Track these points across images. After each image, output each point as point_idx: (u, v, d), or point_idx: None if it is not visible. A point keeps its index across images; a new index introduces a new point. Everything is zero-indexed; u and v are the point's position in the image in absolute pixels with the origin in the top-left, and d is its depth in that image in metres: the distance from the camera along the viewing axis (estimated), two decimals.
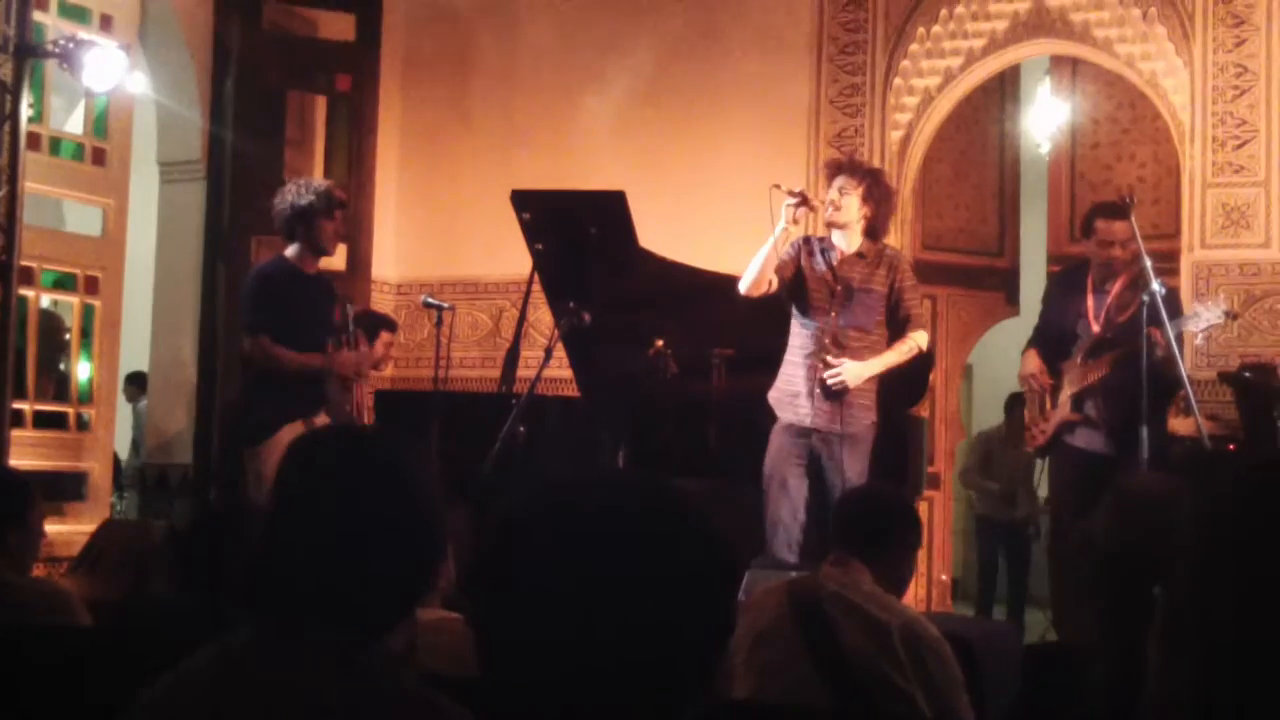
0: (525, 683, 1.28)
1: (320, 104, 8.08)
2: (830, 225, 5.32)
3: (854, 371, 5.21)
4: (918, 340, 5.36)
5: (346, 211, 5.82)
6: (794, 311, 5.34)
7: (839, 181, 5.31)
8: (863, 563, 3.14)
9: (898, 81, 7.43)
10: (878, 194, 5.34)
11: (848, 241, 5.33)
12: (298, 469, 1.77)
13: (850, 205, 5.28)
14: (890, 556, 3.22)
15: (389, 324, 6.85)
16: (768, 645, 3.03)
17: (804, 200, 5.22)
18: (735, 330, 5.67)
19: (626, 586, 1.28)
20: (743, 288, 5.27)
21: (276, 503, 1.77)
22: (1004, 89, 8.08)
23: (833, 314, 5.26)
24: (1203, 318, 5.48)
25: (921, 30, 7.37)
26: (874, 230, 5.34)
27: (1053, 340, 5.93)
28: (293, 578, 1.67)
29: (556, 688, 1.27)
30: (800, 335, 5.32)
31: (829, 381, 5.16)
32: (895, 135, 7.45)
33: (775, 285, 5.25)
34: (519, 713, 1.29)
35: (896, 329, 5.34)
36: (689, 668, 1.31)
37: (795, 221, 5.24)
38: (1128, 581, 2.22)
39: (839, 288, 5.27)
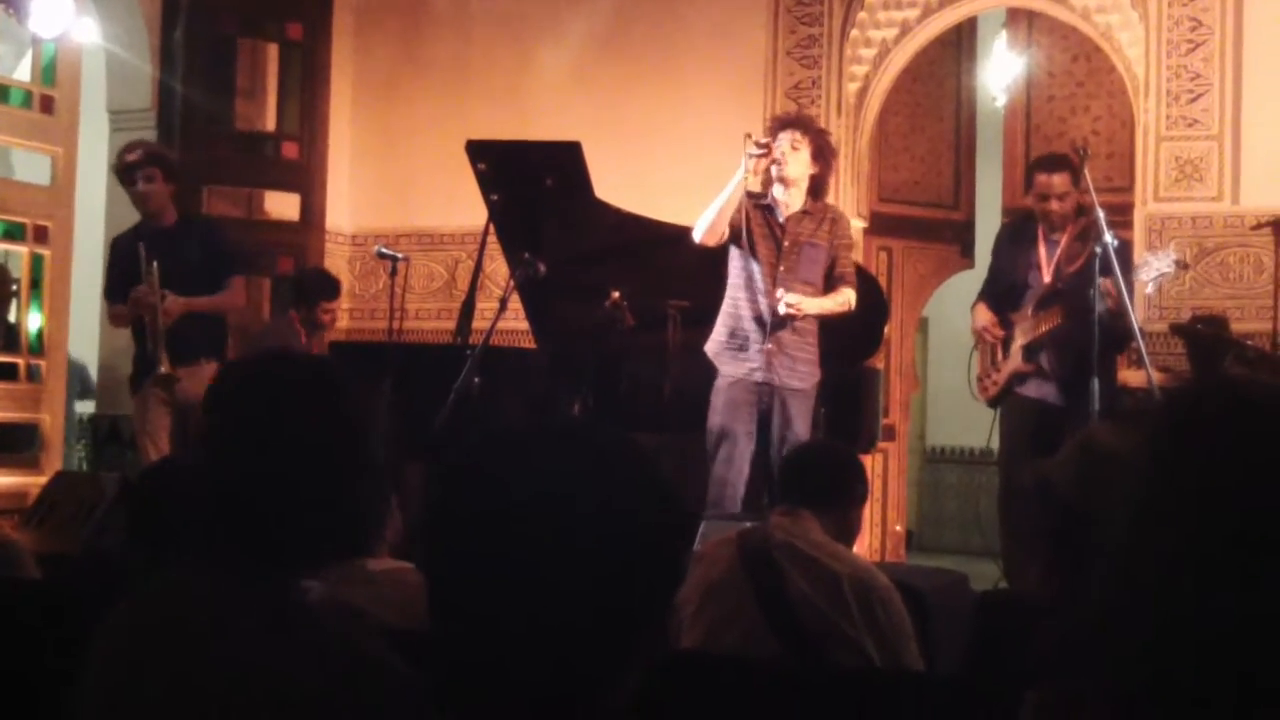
0: (475, 633, 1.28)
1: (272, 52, 7.99)
2: (779, 180, 5.30)
3: (808, 303, 5.23)
4: (848, 296, 5.37)
5: (146, 172, 6.01)
6: (736, 265, 5.33)
7: (789, 136, 5.30)
8: (811, 513, 3.16)
9: (854, 33, 7.41)
10: (826, 153, 5.38)
11: (790, 198, 5.34)
12: (217, 399, 1.72)
13: (800, 160, 5.29)
14: (839, 509, 3.25)
15: (327, 290, 6.79)
16: (718, 596, 3.05)
17: (768, 151, 5.23)
18: (691, 282, 5.66)
19: (577, 536, 1.27)
20: (697, 235, 5.27)
21: (200, 437, 1.72)
22: (960, 42, 8.08)
23: (781, 268, 5.28)
24: (1153, 266, 5.52)
25: None
26: (818, 188, 5.36)
27: (1003, 292, 5.96)
28: (215, 513, 1.64)
29: (506, 637, 1.27)
30: (744, 289, 5.31)
31: (784, 309, 5.17)
32: (852, 87, 7.44)
33: (725, 235, 5.26)
34: (469, 663, 1.28)
35: (829, 287, 5.36)
36: (638, 617, 1.31)
37: (754, 172, 5.24)
38: (1084, 533, 2.24)
39: (787, 242, 5.28)
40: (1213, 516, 1.30)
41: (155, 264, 5.76)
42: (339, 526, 1.68)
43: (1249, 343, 5.83)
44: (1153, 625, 1.29)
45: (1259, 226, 6.11)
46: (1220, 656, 1.25)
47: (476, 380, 5.13)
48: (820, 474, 3.29)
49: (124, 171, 5.99)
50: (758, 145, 5.20)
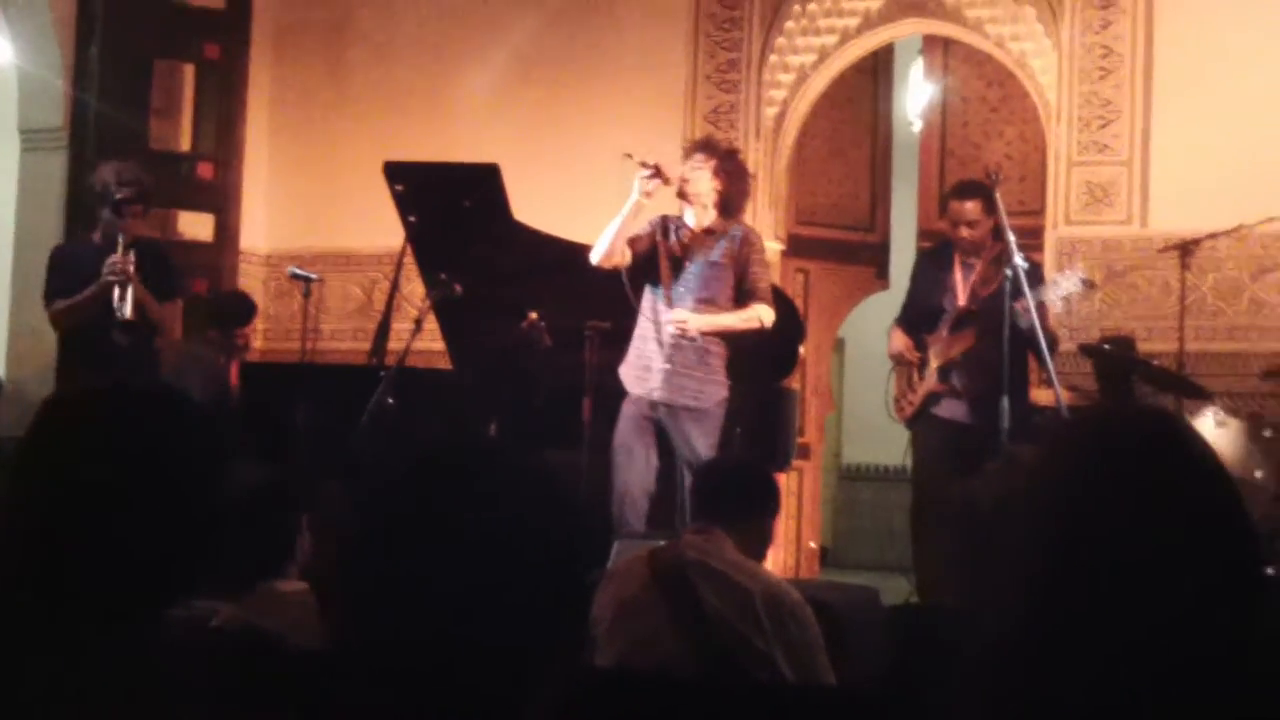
0: (386, 650, 1.28)
1: (188, 72, 7.91)
2: (680, 199, 5.37)
3: (695, 319, 5.27)
4: (759, 312, 5.41)
5: (135, 209, 5.83)
6: (645, 287, 5.37)
7: (693, 160, 5.37)
8: (724, 530, 3.19)
9: (774, 59, 7.49)
10: (729, 170, 5.42)
11: (699, 219, 5.38)
12: (42, 435, 1.59)
13: (701, 179, 5.34)
14: (751, 524, 3.29)
15: (240, 316, 6.71)
16: (631, 614, 3.07)
17: (657, 173, 5.26)
18: (609, 303, 5.67)
19: (488, 553, 1.29)
20: (594, 258, 5.32)
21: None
22: (877, 68, 8.18)
23: (680, 288, 5.33)
24: (1061, 285, 5.61)
25: (797, 8, 7.43)
26: (726, 207, 5.40)
27: (919, 316, 6.03)
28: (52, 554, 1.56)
29: (417, 653, 1.27)
30: (647, 309, 5.37)
31: (673, 329, 5.21)
32: (770, 111, 7.51)
33: (627, 257, 5.30)
34: (374, 683, 1.29)
35: (740, 304, 5.40)
36: (548, 634, 1.32)
37: (648, 195, 5.27)
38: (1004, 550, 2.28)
39: (686, 263, 5.34)
40: (1115, 532, 1.33)
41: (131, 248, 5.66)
42: (176, 559, 1.58)
43: (1155, 363, 5.95)
44: (1053, 637, 1.32)
45: (1166, 249, 6.24)
46: (1121, 666, 1.28)
47: (390, 401, 5.11)
48: (732, 491, 3.32)
49: (114, 204, 5.78)
50: (644, 166, 5.24)
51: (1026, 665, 1.29)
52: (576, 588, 1.39)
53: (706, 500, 3.31)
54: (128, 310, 5.55)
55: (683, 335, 5.23)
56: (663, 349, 5.27)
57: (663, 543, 3.81)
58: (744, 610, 3.02)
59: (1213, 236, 6.01)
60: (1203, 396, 5.73)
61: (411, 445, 1.44)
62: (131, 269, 5.57)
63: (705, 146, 5.46)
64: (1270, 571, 5.20)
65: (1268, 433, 5.39)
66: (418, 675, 1.28)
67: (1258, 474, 5.28)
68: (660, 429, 5.29)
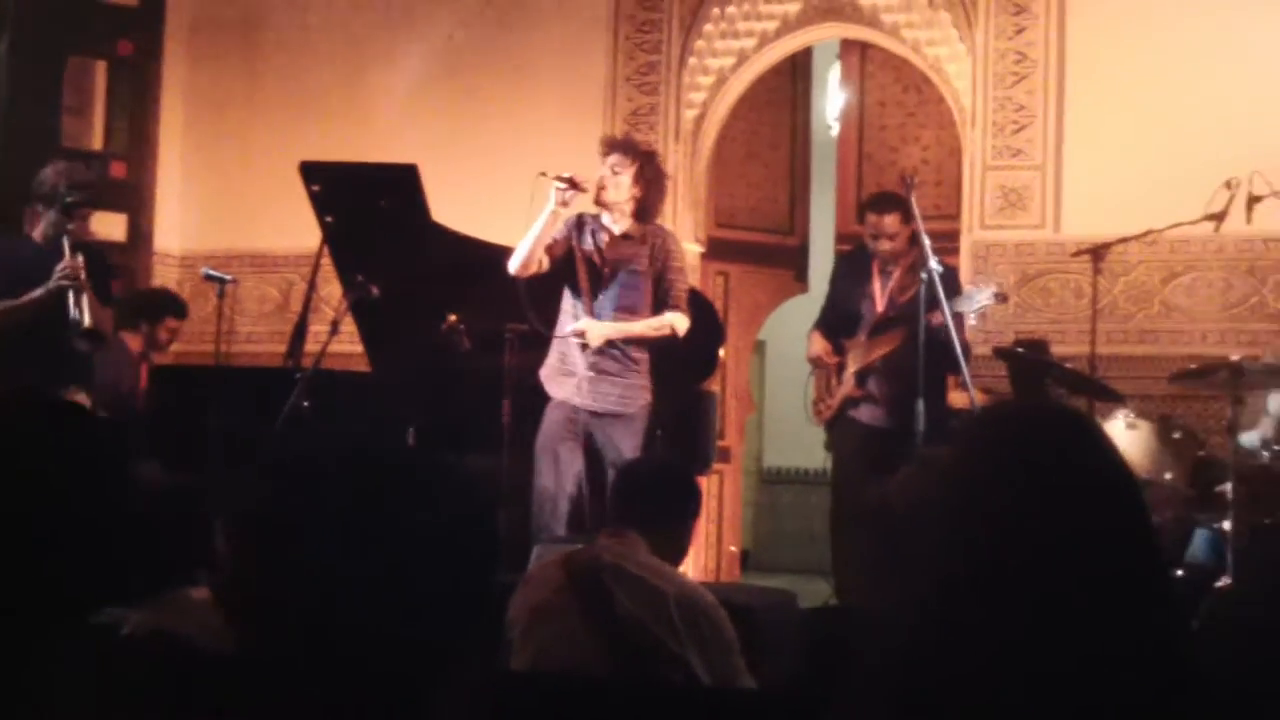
0: (283, 656, 1.28)
1: (101, 69, 7.79)
2: (599, 205, 5.34)
3: (596, 330, 5.26)
4: (672, 321, 5.39)
5: (84, 212, 5.68)
6: (567, 294, 5.35)
7: (612, 160, 5.32)
8: (639, 534, 3.19)
9: (693, 61, 7.51)
10: (649, 175, 5.39)
11: (616, 223, 5.36)
12: None
13: (621, 185, 5.31)
14: (668, 528, 3.28)
15: (174, 307, 6.63)
16: (546, 618, 3.06)
17: (573, 184, 5.23)
18: (529, 305, 5.65)
19: (396, 557, 1.28)
20: (512, 268, 5.27)
21: None
22: (796, 71, 8.23)
23: (599, 295, 5.30)
24: (975, 299, 5.67)
25: (716, 11, 7.46)
26: (644, 212, 5.38)
27: (838, 320, 6.08)
28: None
29: (325, 656, 1.26)
30: (569, 316, 5.35)
31: (583, 340, 5.21)
32: (690, 114, 7.53)
33: (546, 265, 5.28)
34: (283, 684, 1.28)
35: (658, 311, 5.39)
36: (454, 636, 1.32)
37: (565, 204, 5.24)
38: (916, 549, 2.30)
39: (605, 269, 5.32)
40: (1008, 529, 1.34)
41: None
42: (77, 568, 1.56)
43: (1068, 366, 6.03)
44: (956, 637, 1.33)
45: (1079, 254, 6.33)
46: (1010, 661, 1.29)
47: (306, 404, 5.05)
48: (648, 494, 3.31)
49: (65, 206, 5.59)
50: (559, 179, 5.20)
51: (929, 665, 1.30)
52: (486, 591, 1.39)
53: (623, 503, 3.30)
54: (86, 317, 5.43)
55: (587, 344, 5.22)
56: (586, 355, 5.25)
57: (581, 547, 3.81)
58: (658, 613, 3.02)
59: (1123, 241, 6.10)
60: (1114, 399, 5.82)
61: (326, 449, 1.44)
62: (83, 274, 5.45)
63: (626, 148, 5.41)
64: (1179, 573, 5.29)
65: (1177, 435, 5.48)
66: (326, 675, 1.27)
67: (1167, 475, 5.37)
68: (585, 433, 5.27)
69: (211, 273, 6.21)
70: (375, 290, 5.45)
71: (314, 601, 1.30)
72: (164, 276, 7.90)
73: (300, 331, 5.73)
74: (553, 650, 3.02)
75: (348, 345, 6.65)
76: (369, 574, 1.31)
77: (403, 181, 5.99)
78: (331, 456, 1.42)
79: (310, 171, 6.16)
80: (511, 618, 3.05)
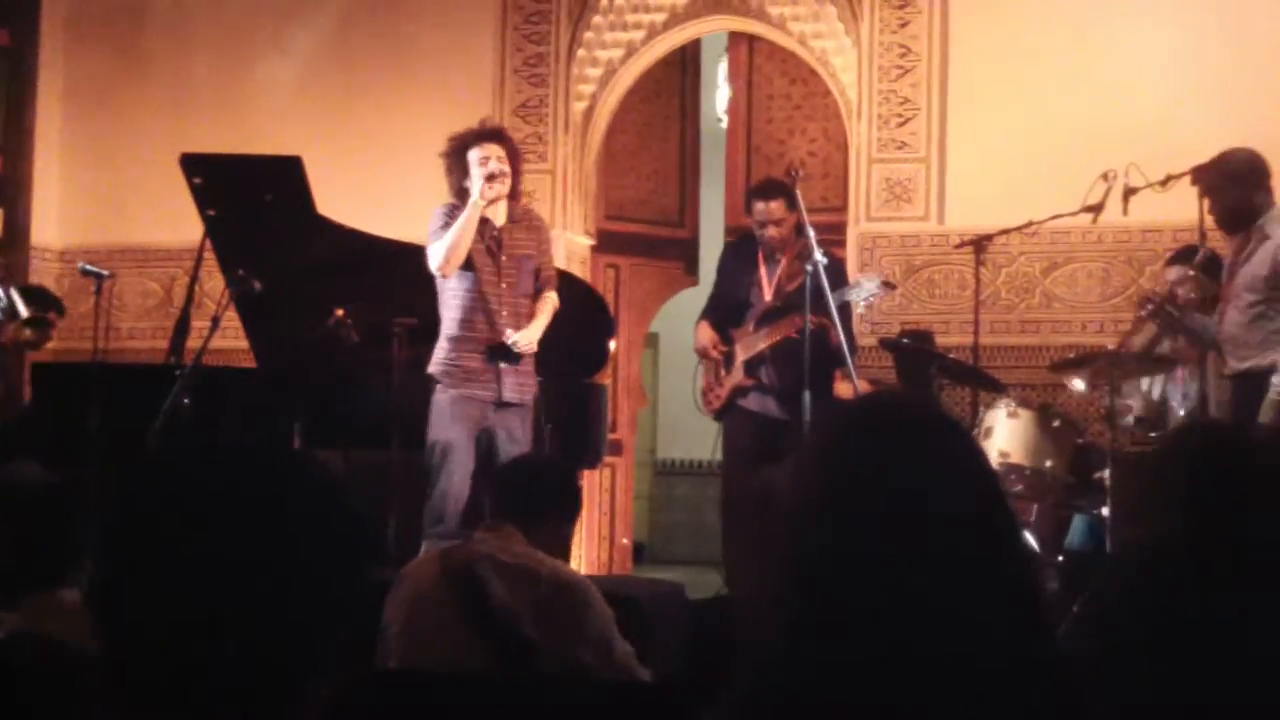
0: (152, 657, 1.26)
1: None
2: (497, 198, 5.26)
3: (530, 336, 5.25)
4: (555, 300, 5.42)
5: None
6: (456, 285, 5.28)
7: (496, 151, 5.25)
8: (516, 528, 3.18)
9: (581, 53, 7.50)
10: (519, 157, 5.42)
11: (498, 210, 5.32)
12: None
13: (508, 173, 5.29)
14: (547, 523, 3.27)
15: (54, 301, 6.49)
16: (422, 613, 3.06)
17: (504, 175, 5.20)
18: (417, 299, 5.61)
19: (248, 555, 1.27)
20: (439, 268, 5.20)
21: None
22: (685, 63, 8.25)
23: (503, 284, 5.27)
24: (863, 288, 5.76)
25: (605, 3, 7.46)
26: (515, 193, 5.38)
27: (727, 310, 6.12)
28: None
29: (181, 659, 1.25)
30: (466, 309, 5.26)
31: (520, 351, 5.19)
32: (579, 106, 7.52)
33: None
34: (147, 684, 1.26)
35: (534, 290, 5.39)
36: (315, 631, 1.31)
37: (487, 199, 5.18)
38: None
39: (505, 258, 5.29)
40: (860, 519, 1.36)
41: None
42: None
43: (952, 356, 6.12)
44: (820, 625, 1.34)
45: (962, 245, 6.41)
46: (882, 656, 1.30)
47: (186, 400, 4.97)
48: (526, 488, 3.31)
49: None
50: (491, 173, 5.16)
51: (796, 654, 1.31)
52: (358, 588, 1.38)
53: (501, 497, 3.30)
54: (21, 306, 5.29)
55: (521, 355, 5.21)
56: (495, 349, 5.21)
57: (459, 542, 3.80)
58: (532, 599, 3.03)
59: (1005, 233, 6.19)
60: (996, 388, 5.91)
61: (201, 446, 1.42)
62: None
63: (503, 138, 5.38)
64: (1060, 559, 5.40)
65: (1057, 423, 5.58)
66: (188, 675, 1.26)
67: (1048, 463, 5.47)
68: (482, 427, 5.23)
69: (88, 267, 6.08)
70: (258, 285, 5.37)
71: (183, 602, 1.29)
72: (43, 273, 7.72)
73: (182, 327, 5.64)
74: (429, 646, 3.02)
75: (233, 341, 6.56)
76: (238, 574, 1.30)
77: (287, 174, 5.91)
78: (205, 454, 1.40)
79: (192, 164, 6.06)
80: (388, 616, 3.04)
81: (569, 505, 3.38)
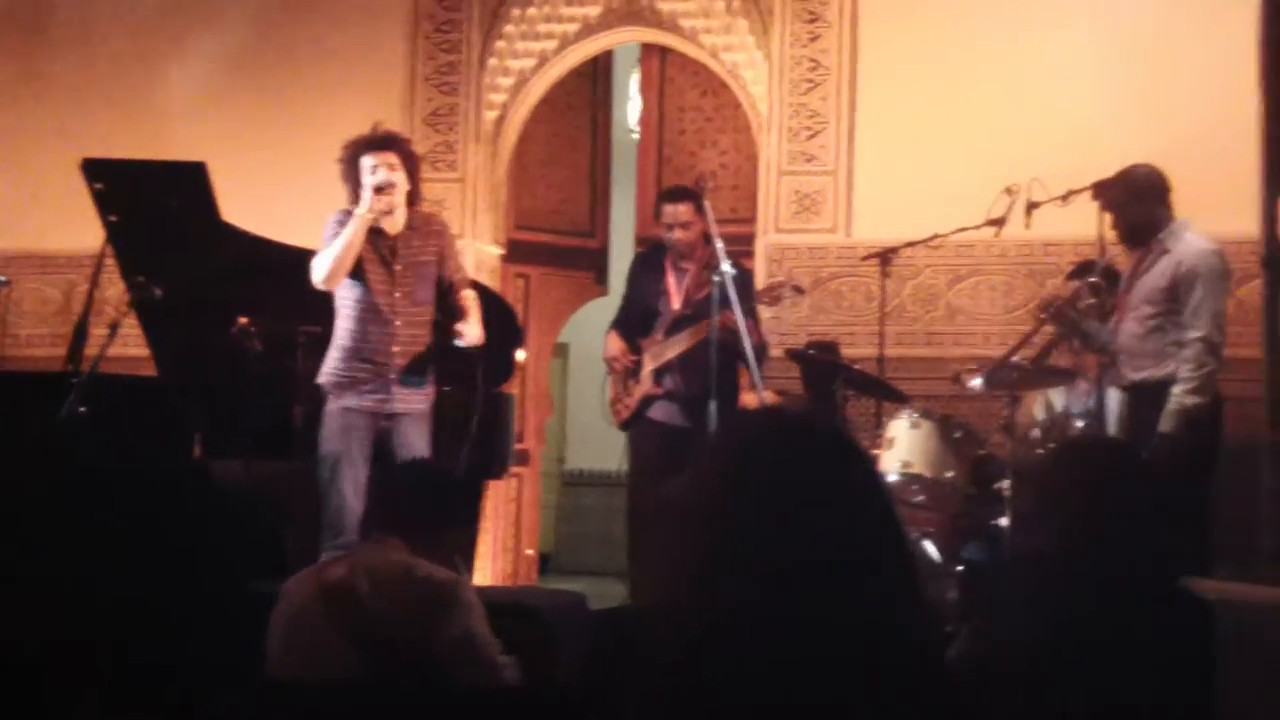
0: (37, 667, 1.25)
1: None
2: (389, 210, 5.19)
3: (474, 330, 5.19)
4: (475, 297, 5.38)
5: None
6: (348, 294, 5.21)
7: (387, 159, 5.16)
8: (400, 539, 3.15)
9: (493, 62, 7.48)
10: (416, 163, 5.34)
11: (393, 219, 5.23)
12: None
13: (400, 181, 5.22)
14: (428, 533, 3.24)
15: None
16: (300, 627, 3.04)
17: (392, 186, 5.13)
18: (321, 308, 5.55)
19: (132, 558, 1.26)
20: (322, 281, 5.12)
21: None
22: (597, 73, 8.26)
23: (397, 293, 5.20)
24: (775, 293, 5.80)
25: (517, 12, 7.45)
26: (413, 200, 5.32)
27: (636, 319, 6.13)
28: None
29: (67, 667, 1.24)
30: (357, 319, 5.18)
31: (464, 344, 5.12)
32: (490, 115, 7.50)
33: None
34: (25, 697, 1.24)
35: (443, 294, 5.31)
36: (203, 646, 1.30)
37: (376, 211, 5.12)
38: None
39: (399, 266, 5.22)
40: (752, 530, 1.36)
41: None
42: None
43: (857, 367, 6.17)
44: (712, 635, 1.34)
45: (868, 258, 6.47)
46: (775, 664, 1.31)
47: (82, 409, 4.88)
48: (408, 498, 3.28)
49: None
50: (379, 185, 5.10)
51: (691, 663, 1.32)
52: (240, 601, 1.37)
53: (383, 509, 3.27)
54: None
55: (472, 345, 5.15)
56: (391, 357, 5.14)
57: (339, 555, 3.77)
58: (408, 608, 3.01)
59: (910, 245, 6.26)
60: (900, 399, 5.97)
61: (88, 456, 1.41)
62: None
63: (396, 145, 5.29)
64: (959, 569, 5.46)
65: (958, 434, 5.64)
66: (71, 688, 1.24)
67: (949, 473, 5.53)
68: (378, 437, 5.16)
69: None
70: (158, 291, 5.29)
71: (61, 610, 1.27)
72: None
73: (80, 334, 5.54)
74: (308, 658, 3.00)
75: (135, 349, 6.45)
76: (124, 584, 1.28)
77: (191, 180, 5.82)
78: (91, 464, 1.39)
79: (93, 169, 5.96)
80: (270, 628, 3.02)
81: (453, 512, 3.34)
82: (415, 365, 5.20)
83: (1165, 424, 4.85)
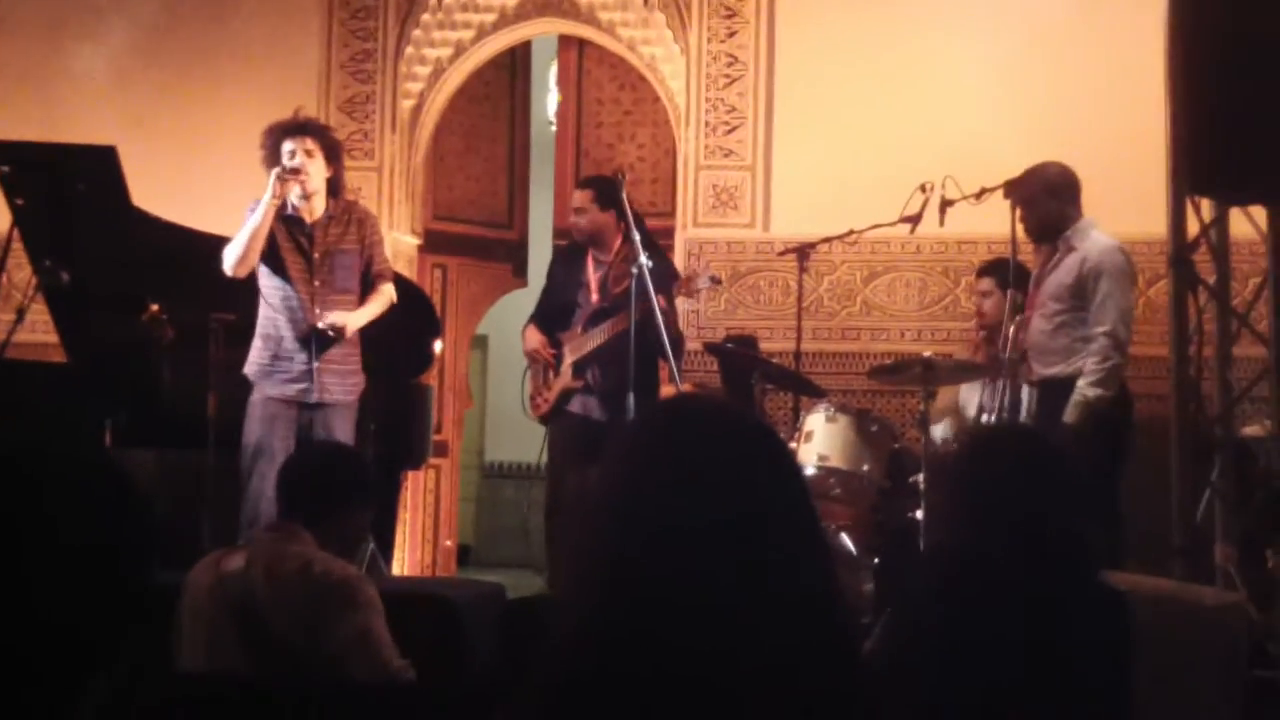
0: None
1: None
2: (307, 194, 5.17)
3: (343, 319, 5.15)
4: (389, 293, 5.36)
5: None
6: (268, 283, 5.18)
7: (303, 144, 5.15)
8: (303, 526, 3.11)
9: (410, 50, 7.42)
10: (338, 150, 5.31)
11: (313, 205, 5.22)
12: None
13: (319, 168, 5.19)
14: (334, 517, 3.19)
15: None
16: (197, 618, 3.02)
17: (296, 171, 5.10)
18: (235, 295, 5.48)
19: (34, 550, 1.24)
20: (230, 268, 5.09)
21: None
22: (516, 64, 8.23)
23: (316, 282, 5.17)
24: (694, 284, 5.82)
25: (433, 1, 7.39)
26: (335, 188, 5.29)
27: (555, 313, 6.12)
28: None
29: None
30: (277, 308, 5.16)
31: (328, 328, 5.08)
32: (407, 104, 7.45)
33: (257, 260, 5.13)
34: None
35: (367, 285, 5.30)
36: (91, 638, 1.28)
37: (280, 196, 5.10)
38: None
39: (317, 254, 5.19)
40: (656, 518, 1.35)
41: None
42: None
43: (775, 361, 6.21)
44: (614, 626, 1.33)
45: (785, 252, 6.51)
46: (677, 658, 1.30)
47: None
48: (310, 483, 3.23)
49: None
50: (285, 171, 5.07)
51: (586, 653, 1.30)
52: (137, 593, 1.35)
53: (285, 496, 3.22)
54: None
55: (339, 334, 5.10)
56: (310, 347, 5.10)
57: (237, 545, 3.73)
58: (301, 605, 2.98)
59: (827, 241, 6.29)
60: (816, 394, 6.02)
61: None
62: None
63: (315, 131, 5.27)
64: (876, 560, 5.51)
65: (874, 428, 5.69)
66: None
67: (865, 467, 5.58)
68: (300, 427, 5.12)
69: None
70: (65, 276, 5.19)
71: None
72: None
73: None
74: (205, 650, 2.98)
75: (43, 335, 6.34)
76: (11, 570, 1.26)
77: (100, 164, 5.73)
78: None
79: None
80: (179, 619, 3.00)
81: (356, 495, 3.27)
82: (340, 355, 5.16)
83: (1068, 415, 4.93)
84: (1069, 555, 2.53)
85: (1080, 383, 4.96)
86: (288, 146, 5.12)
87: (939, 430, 5.84)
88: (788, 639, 1.31)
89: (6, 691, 1.25)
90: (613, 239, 5.99)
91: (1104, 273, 5.04)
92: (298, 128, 5.21)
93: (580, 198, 6.00)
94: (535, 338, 6.09)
